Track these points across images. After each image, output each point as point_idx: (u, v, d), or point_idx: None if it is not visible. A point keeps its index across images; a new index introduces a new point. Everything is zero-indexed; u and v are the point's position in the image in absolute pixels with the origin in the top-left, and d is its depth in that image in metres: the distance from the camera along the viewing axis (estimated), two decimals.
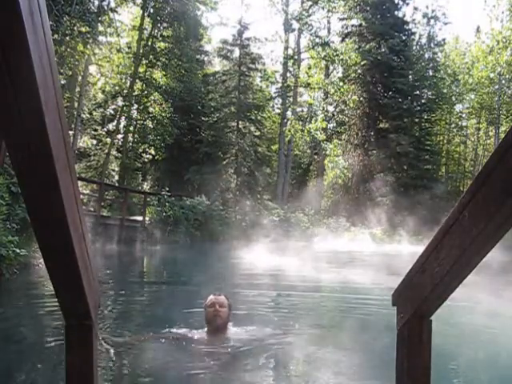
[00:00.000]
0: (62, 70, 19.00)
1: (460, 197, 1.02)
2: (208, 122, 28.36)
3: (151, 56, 25.69)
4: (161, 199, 21.14)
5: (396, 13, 34.03)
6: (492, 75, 34.65)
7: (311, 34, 31.98)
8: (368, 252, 18.83)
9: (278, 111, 34.39)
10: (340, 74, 35.12)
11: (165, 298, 7.67)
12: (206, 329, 4.37)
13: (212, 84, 29.46)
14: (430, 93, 35.55)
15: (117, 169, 26.09)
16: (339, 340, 5.28)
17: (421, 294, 1.25)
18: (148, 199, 20.94)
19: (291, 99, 31.87)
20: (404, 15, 34.84)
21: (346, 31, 34.01)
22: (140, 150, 27.08)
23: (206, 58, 31.05)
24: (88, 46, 20.26)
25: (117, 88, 27.75)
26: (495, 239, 0.99)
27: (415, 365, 1.32)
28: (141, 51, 25.19)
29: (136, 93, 25.33)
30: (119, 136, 25.25)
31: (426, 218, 23.33)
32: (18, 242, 7.89)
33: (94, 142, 27.41)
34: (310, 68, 33.32)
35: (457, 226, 1.03)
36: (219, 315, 4.25)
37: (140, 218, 19.42)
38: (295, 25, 31.89)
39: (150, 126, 27.22)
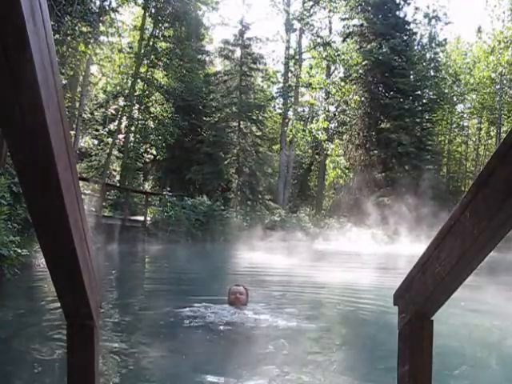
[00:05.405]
0: (63, 70, 19.00)
1: (461, 197, 1.02)
2: (209, 121, 28.36)
3: (152, 56, 25.66)
4: (162, 199, 21.16)
5: (397, 13, 34.01)
6: (493, 75, 34.67)
7: (312, 34, 32.05)
8: (369, 252, 18.82)
9: (279, 111, 34.40)
10: (341, 74, 35.14)
11: (166, 297, 7.66)
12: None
13: (213, 84, 29.46)
14: (431, 93, 35.52)
15: (118, 169, 26.07)
16: (340, 340, 5.28)
17: (422, 294, 1.25)
18: (149, 199, 20.96)
19: (292, 99, 31.87)
20: (405, 15, 34.83)
21: (348, 31, 33.98)
22: (141, 150, 27.07)
23: (207, 58, 31.01)
24: (89, 46, 20.25)
25: (118, 88, 27.74)
26: (496, 239, 0.99)
27: (416, 365, 1.32)
28: (142, 51, 25.17)
29: (137, 93, 25.31)
30: (120, 136, 25.22)
31: (427, 218, 23.31)
32: (19, 242, 7.89)
33: (96, 141, 27.36)
34: (311, 68, 33.34)
35: (458, 225, 1.03)
36: (239, 301, 5.62)
37: (141, 218, 19.43)
38: (296, 25, 31.96)
39: (152, 125, 27.20)
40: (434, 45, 36.40)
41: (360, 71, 32.30)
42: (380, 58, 31.00)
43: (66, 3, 15.24)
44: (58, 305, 1.32)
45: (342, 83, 32.84)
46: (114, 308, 6.44)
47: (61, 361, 3.64)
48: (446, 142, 38.97)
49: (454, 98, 38.00)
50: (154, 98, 27.01)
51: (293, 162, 33.10)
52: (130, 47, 26.65)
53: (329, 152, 32.48)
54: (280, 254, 15.09)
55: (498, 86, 34.95)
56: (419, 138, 31.80)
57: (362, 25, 33.04)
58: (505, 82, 34.28)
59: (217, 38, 32.40)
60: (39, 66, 0.72)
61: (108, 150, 24.30)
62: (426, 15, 36.71)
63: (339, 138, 34.10)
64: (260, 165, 28.81)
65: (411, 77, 33.09)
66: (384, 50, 31.43)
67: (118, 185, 23.71)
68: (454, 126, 39.50)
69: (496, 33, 34.14)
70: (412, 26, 35.15)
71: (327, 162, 33.72)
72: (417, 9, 36.24)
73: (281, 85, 31.84)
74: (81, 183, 16.97)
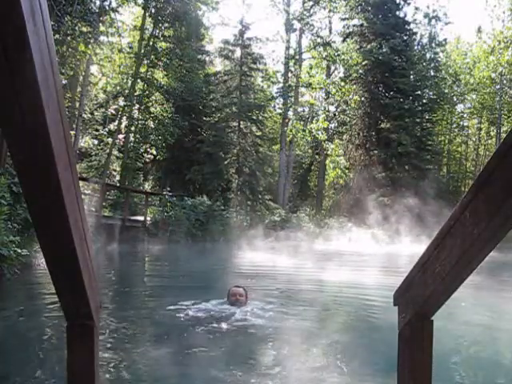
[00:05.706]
0: (63, 70, 19.00)
1: (461, 197, 1.01)
2: (209, 121, 28.35)
3: (152, 56, 25.65)
4: (162, 199, 21.16)
5: (397, 13, 33.96)
6: (493, 75, 34.67)
7: (312, 34, 32.04)
8: (369, 252, 18.82)
9: (279, 111, 34.38)
10: (341, 74, 35.11)
11: (166, 297, 7.66)
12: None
13: (213, 84, 29.44)
14: (431, 93, 35.50)
15: (118, 169, 26.08)
16: (341, 340, 5.27)
17: (422, 294, 1.25)
18: (149, 199, 20.96)
19: (292, 99, 31.85)
20: (405, 15, 34.73)
21: (348, 31, 33.95)
22: (141, 150, 27.06)
23: (207, 58, 30.98)
24: (89, 46, 20.25)
25: (118, 88, 27.74)
26: (496, 239, 0.99)
27: (417, 364, 1.32)
28: (142, 51, 25.16)
29: (137, 93, 25.30)
30: (120, 136, 25.21)
31: (427, 218, 23.31)
32: (19, 242, 7.89)
33: (96, 141, 27.36)
34: (311, 68, 33.33)
35: (458, 226, 1.03)
36: (239, 302, 5.83)
37: (141, 218, 19.43)
38: (296, 25, 31.95)
39: (152, 125, 27.19)
40: (434, 45, 36.39)
41: (360, 71, 32.28)
42: (380, 58, 30.97)
43: (66, 3, 15.24)
44: (58, 305, 1.33)
45: (342, 83, 32.82)
46: (114, 308, 6.43)
47: (61, 361, 3.64)
48: (446, 142, 38.95)
49: (454, 98, 38.00)
50: (154, 98, 27.00)
51: (293, 162, 33.09)
52: (130, 47, 26.65)
53: (329, 152, 32.47)
54: (280, 254, 15.09)
55: (498, 86, 34.94)
56: (419, 138, 31.78)
57: (362, 25, 33.01)
58: (505, 82, 34.26)
59: (217, 38, 32.42)
60: (39, 66, 0.72)
61: (108, 150, 24.29)
62: (426, 15, 36.70)
63: (339, 138, 34.08)
64: (260, 165, 28.80)
65: (411, 77, 33.05)
66: (384, 50, 31.39)
67: (118, 185, 23.70)
68: (454, 126, 39.50)
69: (496, 33, 34.14)
70: (412, 25, 35.10)
71: (327, 161, 33.71)
72: (417, 9, 36.26)
73: (281, 85, 31.82)
74: (81, 183, 16.98)
